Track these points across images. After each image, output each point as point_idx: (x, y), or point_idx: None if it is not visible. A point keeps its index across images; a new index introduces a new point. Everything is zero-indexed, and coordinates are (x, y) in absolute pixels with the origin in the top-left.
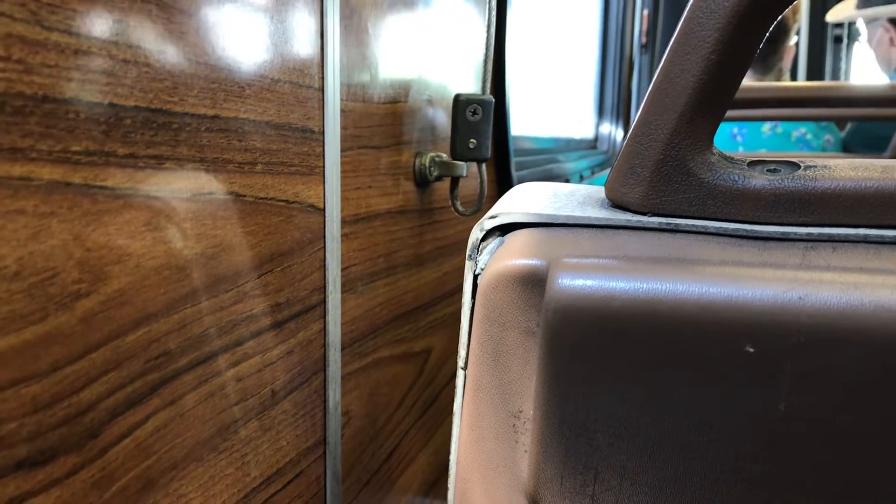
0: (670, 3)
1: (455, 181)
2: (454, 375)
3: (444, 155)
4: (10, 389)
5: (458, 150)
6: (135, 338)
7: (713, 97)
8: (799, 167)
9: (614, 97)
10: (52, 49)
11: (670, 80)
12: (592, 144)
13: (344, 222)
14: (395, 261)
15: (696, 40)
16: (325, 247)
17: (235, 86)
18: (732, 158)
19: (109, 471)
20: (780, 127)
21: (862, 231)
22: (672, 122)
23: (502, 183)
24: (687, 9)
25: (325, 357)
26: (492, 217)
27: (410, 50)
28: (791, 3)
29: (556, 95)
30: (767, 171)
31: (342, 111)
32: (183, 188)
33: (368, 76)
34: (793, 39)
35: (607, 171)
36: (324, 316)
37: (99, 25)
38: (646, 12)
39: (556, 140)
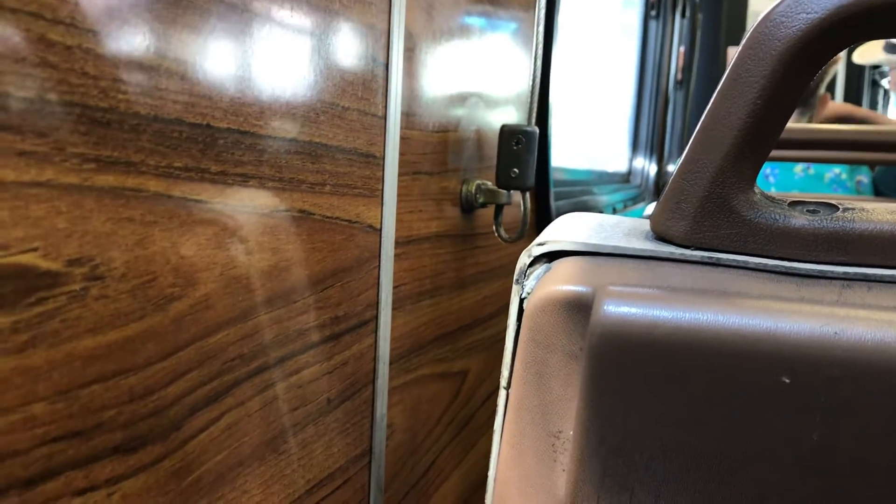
0: (707, 42)
1: (499, 208)
2: (489, 397)
3: (490, 182)
4: (112, 380)
5: (502, 179)
6: (216, 340)
7: (757, 139)
8: (837, 209)
9: (648, 132)
10: (164, 74)
11: (717, 122)
12: (626, 178)
13: (397, 243)
14: (439, 282)
15: (744, 85)
16: (380, 265)
17: (312, 112)
18: (774, 198)
19: (187, 462)
20: (813, 168)
21: None
22: (717, 162)
23: (542, 211)
24: (736, 54)
25: (375, 370)
26: (540, 244)
27: (461, 80)
28: (837, 53)
29: (592, 128)
30: (807, 211)
31: (401, 138)
32: (263, 205)
33: (424, 105)
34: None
35: (640, 205)
36: (375, 331)
37: (203, 55)
38: (682, 49)
39: (591, 173)
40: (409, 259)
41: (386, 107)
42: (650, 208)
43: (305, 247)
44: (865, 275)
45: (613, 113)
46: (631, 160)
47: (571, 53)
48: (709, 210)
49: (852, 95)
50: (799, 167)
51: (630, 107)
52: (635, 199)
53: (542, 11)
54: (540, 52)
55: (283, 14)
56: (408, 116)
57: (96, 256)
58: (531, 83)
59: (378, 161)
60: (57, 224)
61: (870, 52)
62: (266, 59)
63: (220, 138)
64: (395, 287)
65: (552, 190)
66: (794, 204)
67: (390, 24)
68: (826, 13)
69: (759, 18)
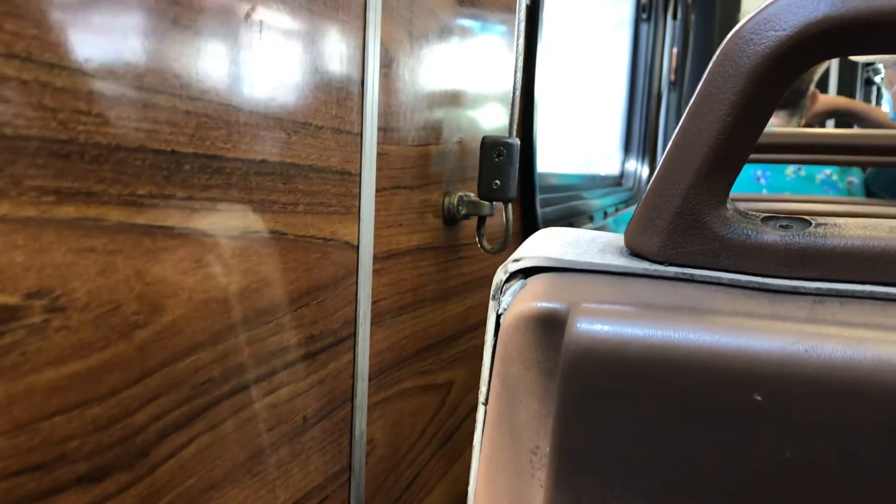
0: (700, 41)
1: (482, 220)
2: (474, 408)
3: (472, 194)
4: (74, 411)
5: (484, 190)
6: (184, 366)
7: (729, 156)
8: (810, 224)
9: (641, 134)
10: (126, 103)
11: (688, 139)
12: (618, 181)
13: (376, 258)
14: (421, 295)
15: (714, 102)
16: (357, 282)
17: (283, 133)
18: (747, 214)
19: (156, 488)
20: (804, 170)
21: (868, 287)
22: (689, 179)
23: (528, 221)
24: (706, 71)
25: (353, 387)
26: (515, 260)
27: (442, 93)
28: (806, 70)
29: (583, 131)
30: (780, 226)
31: (378, 154)
32: (232, 227)
33: (403, 120)
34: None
35: (632, 207)
36: (354, 347)
37: (166, 80)
38: (675, 50)
39: (582, 177)
40: (389, 274)
41: (362, 124)
42: None
43: (278, 267)
44: (837, 290)
45: (605, 114)
46: (623, 162)
47: (560, 54)
48: (681, 226)
49: (845, 93)
50: (790, 169)
51: (622, 109)
52: (627, 202)
53: (523, 23)
54: (521, 62)
55: (252, 36)
56: (385, 132)
57: (56, 288)
58: (512, 93)
59: (354, 178)
60: (14, 258)
61: None
62: (234, 81)
63: (185, 164)
64: (374, 302)
65: (538, 198)
66: (766, 219)
67: (365, 40)
68: (794, 30)
69: (729, 35)
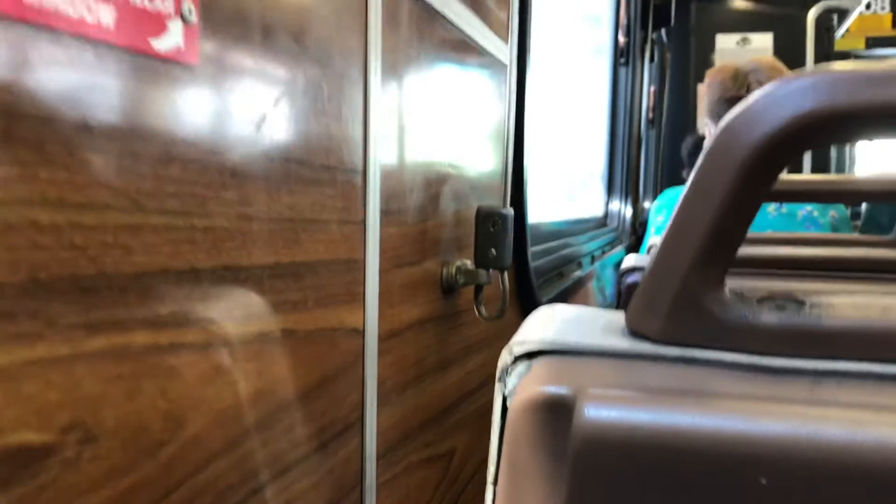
0: (676, 80)
1: (479, 288)
2: (476, 473)
3: (469, 261)
4: None
5: (481, 259)
6: (205, 477)
7: (723, 243)
8: (804, 304)
9: (623, 174)
10: (148, 231)
11: (684, 227)
12: (603, 222)
13: (380, 339)
14: (423, 367)
15: (707, 194)
16: (364, 366)
17: (292, 234)
18: (743, 295)
19: None
20: (786, 207)
21: (864, 366)
22: (687, 264)
23: (522, 284)
24: (697, 164)
25: (362, 469)
26: (520, 343)
27: (438, 170)
28: (794, 160)
29: (568, 175)
30: (776, 307)
31: (381, 238)
32: (248, 333)
33: (403, 201)
34: None
35: (618, 248)
36: (362, 431)
37: (185, 202)
38: (652, 88)
39: (569, 222)
40: (392, 353)
41: (365, 211)
42: (630, 259)
43: (290, 365)
44: (834, 369)
45: (588, 156)
46: (607, 203)
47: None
48: (681, 309)
49: None
50: (772, 206)
51: (604, 151)
52: (613, 243)
53: (513, 110)
54: (513, 135)
55: (262, 146)
56: (387, 215)
57: (87, 419)
58: (504, 167)
59: (359, 265)
60: (49, 397)
61: None
62: (247, 193)
63: (204, 279)
64: (380, 384)
65: (531, 265)
66: (762, 300)
67: (366, 133)
68: (782, 125)
69: (720, 127)
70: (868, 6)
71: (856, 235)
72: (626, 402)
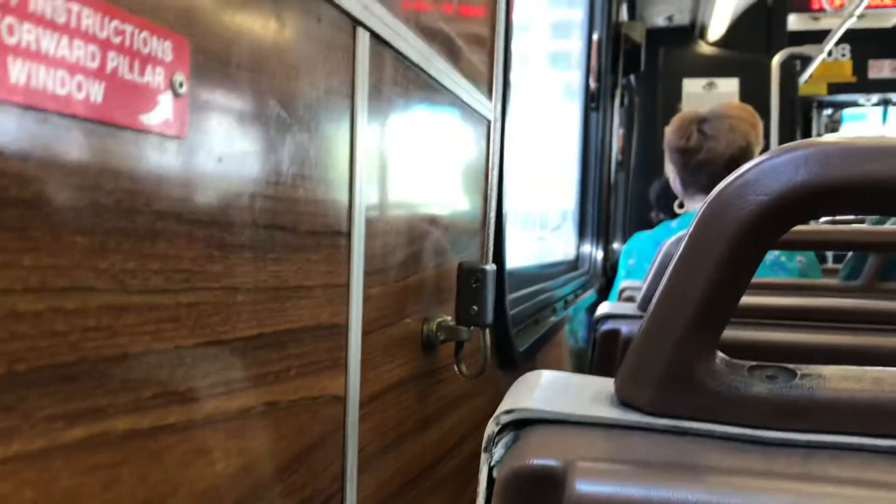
0: (644, 123)
1: (460, 344)
2: None
3: (449, 318)
4: None
5: (462, 316)
6: None
7: (715, 312)
8: (796, 375)
9: (594, 216)
10: (132, 311)
11: (675, 295)
12: (575, 265)
13: (361, 405)
14: (403, 429)
15: (698, 264)
16: (344, 434)
17: (276, 303)
18: (735, 364)
19: None
20: None
21: (856, 440)
22: (677, 334)
23: (500, 337)
24: (689, 232)
25: None
26: (507, 412)
27: (420, 227)
28: (788, 230)
29: (542, 219)
30: (767, 377)
31: (364, 299)
32: (230, 409)
33: (385, 261)
34: None
35: (589, 292)
36: (342, 502)
37: (171, 279)
38: (621, 131)
39: (544, 266)
40: (373, 418)
41: (349, 273)
42: (604, 307)
43: (271, 439)
44: (826, 442)
45: (560, 201)
46: (578, 246)
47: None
48: (672, 379)
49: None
50: None
51: (575, 193)
52: (585, 287)
53: (495, 163)
54: (494, 192)
55: (250, 214)
56: (370, 276)
57: None
58: (484, 222)
59: (342, 329)
60: (24, 495)
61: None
62: (232, 264)
63: (187, 357)
64: (360, 451)
65: (509, 314)
66: (752, 369)
67: (352, 195)
68: (774, 196)
69: (711, 197)
70: (829, 53)
71: (828, 281)
72: (617, 475)
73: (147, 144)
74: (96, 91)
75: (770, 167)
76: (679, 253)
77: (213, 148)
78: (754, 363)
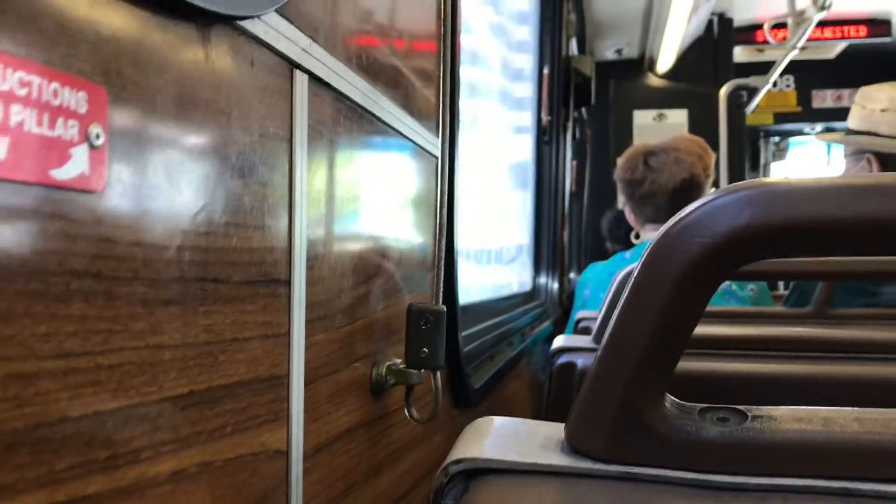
0: (597, 154)
1: (409, 388)
2: None
3: (399, 360)
4: None
5: (412, 359)
6: None
7: (663, 355)
8: (746, 417)
9: (549, 248)
10: (44, 377)
11: (623, 340)
12: (531, 296)
13: (305, 458)
14: (352, 479)
15: (644, 306)
16: (287, 490)
17: (209, 357)
18: (685, 407)
19: None
20: None
21: (809, 482)
22: (625, 378)
23: (453, 372)
24: (633, 277)
25: None
26: (456, 462)
27: (369, 266)
28: (734, 271)
29: (495, 249)
30: (718, 419)
31: (307, 347)
32: (160, 475)
33: (329, 307)
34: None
35: (546, 323)
36: None
37: (89, 341)
38: (574, 163)
39: (498, 299)
40: (319, 470)
41: (289, 322)
42: (559, 340)
43: (208, 502)
44: (779, 485)
45: (515, 232)
46: (534, 277)
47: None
48: (622, 425)
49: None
50: None
51: (529, 225)
52: (541, 318)
53: (443, 200)
54: (444, 226)
55: (177, 268)
56: (312, 323)
57: None
58: (436, 262)
59: (282, 380)
60: None
61: (831, 135)
62: (157, 321)
63: (107, 421)
64: None
65: (462, 351)
66: (703, 412)
67: (291, 240)
68: (719, 237)
69: (657, 237)
70: (775, 84)
71: (778, 309)
72: None
73: (59, 200)
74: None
75: (713, 209)
76: (625, 295)
77: (135, 200)
78: (705, 405)
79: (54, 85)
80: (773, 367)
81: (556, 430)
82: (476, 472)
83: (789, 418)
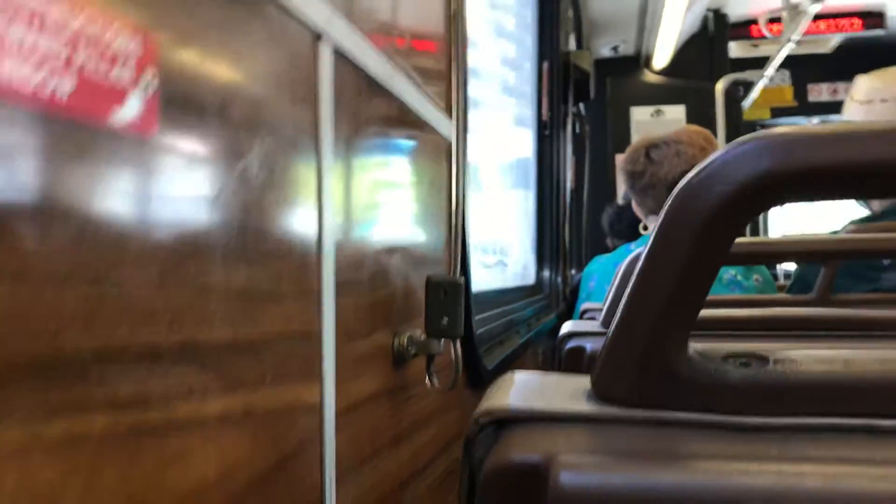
0: (596, 150)
1: (430, 358)
2: None
3: (420, 331)
4: None
5: (433, 328)
6: None
7: (686, 302)
8: (768, 360)
9: (552, 243)
10: (109, 303)
11: (647, 288)
12: (535, 289)
13: (337, 416)
14: (377, 444)
15: (667, 254)
16: (322, 445)
17: (249, 308)
18: (708, 352)
19: None
20: None
21: (831, 420)
22: (650, 325)
23: (466, 351)
24: (656, 225)
25: None
26: (486, 413)
27: (388, 240)
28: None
29: (500, 243)
30: (740, 364)
31: (336, 310)
32: (208, 415)
33: (355, 274)
34: None
35: (551, 315)
36: None
37: (146, 276)
38: (574, 159)
39: (505, 290)
40: (349, 429)
41: (320, 283)
42: (568, 325)
43: (249, 448)
44: (802, 425)
45: (518, 225)
46: (538, 271)
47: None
48: (647, 370)
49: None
50: None
51: (532, 220)
52: (546, 310)
53: (456, 182)
54: (457, 207)
55: (218, 223)
56: (341, 287)
57: None
58: (450, 234)
59: (315, 337)
60: (3, 488)
61: None
62: (204, 266)
63: (164, 357)
64: (337, 462)
65: (476, 336)
66: (726, 357)
67: (320, 206)
68: (739, 185)
69: (677, 189)
70: (771, 79)
71: (782, 296)
72: (599, 467)
73: (117, 143)
74: (64, 86)
75: (734, 157)
76: (649, 246)
77: (182, 149)
78: (727, 351)
79: (113, 28)
80: (784, 345)
81: (581, 381)
82: (505, 422)
83: (810, 360)
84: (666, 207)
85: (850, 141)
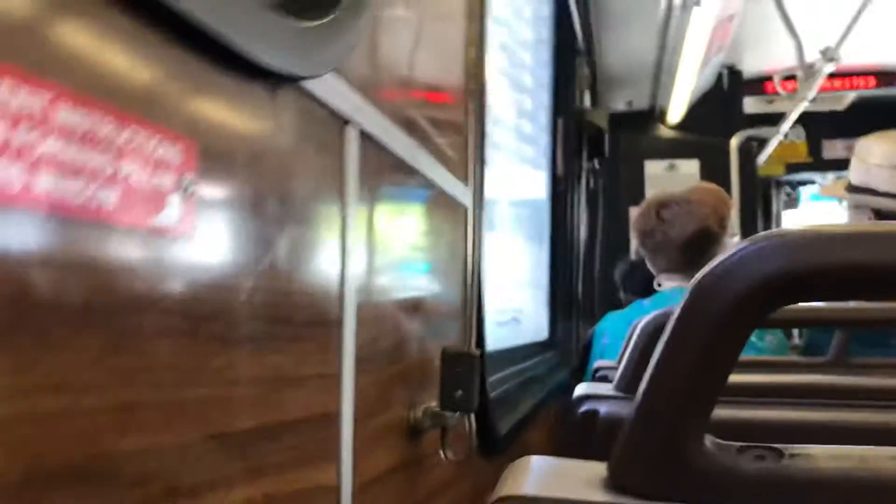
0: (609, 204)
1: (445, 430)
2: None
3: (434, 403)
4: None
5: (447, 402)
6: None
7: (703, 396)
8: (783, 455)
9: (566, 298)
10: (142, 407)
11: (664, 379)
12: (548, 345)
13: (353, 496)
14: None
15: (685, 347)
16: None
17: (275, 394)
18: (723, 445)
19: None
20: None
21: None
22: (667, 418)
23: (480, 416)
24: (675, 315)
25: None
26: (502, 499)
27: (407, 312)
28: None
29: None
30: (756, 457)
31: (355, 388)
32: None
33: (374, 349)
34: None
35: (563, 372)
36: None
37: (179, 374)
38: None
39: (516, 347)
40: None
41: (340, 362)
42: (581, 388)
43: None
44: None
45: (533, 282)
46: (550, 326)
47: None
48: (663, 461)
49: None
50: None
51: (546, 274)
52: (559, 367)
53: (473, 248)
54: (473, 274)
55: (247, 314)
56: (360, 364)
57: None
58: (466, 309)
59: (333, 419)
60: None
61: (833, 189)
62: (232, 358)
63: (192, 451)
64: None
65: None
66: (741, 450)
67: (343, 284)
68: (754, 284)
69: (695, 282)
70: (786, 135)
71: (798, 358)
72: None
73: (155, 244)
74: (110, 197)
75: (746, 257)
76: (666, 337)
77: (216, 245)
78: (743, 444)
79: (156, 139)
80: (801, 413)
81: (596, 468)
82: None
83: (825, 457)
84: (682, 303)
85: (870, 242)
